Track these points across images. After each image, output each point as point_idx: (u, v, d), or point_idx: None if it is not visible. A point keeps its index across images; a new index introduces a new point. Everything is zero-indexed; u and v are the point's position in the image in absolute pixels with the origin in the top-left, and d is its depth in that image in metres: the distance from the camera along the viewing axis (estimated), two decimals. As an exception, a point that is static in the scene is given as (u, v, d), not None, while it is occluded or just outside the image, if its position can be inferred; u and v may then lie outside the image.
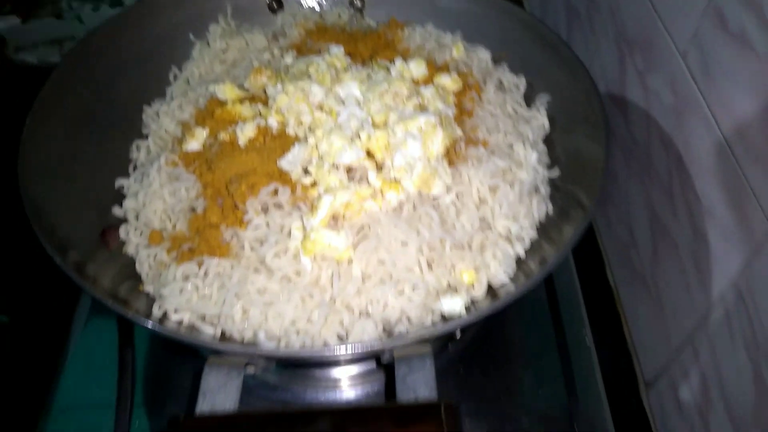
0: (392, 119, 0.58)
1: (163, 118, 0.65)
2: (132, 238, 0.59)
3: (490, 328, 0.60)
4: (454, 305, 0.52)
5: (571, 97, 0.61)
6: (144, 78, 0.68)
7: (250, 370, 0.49)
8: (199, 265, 0.55)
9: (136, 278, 0.58)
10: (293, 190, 0.57)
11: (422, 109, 0.60)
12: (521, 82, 0.67)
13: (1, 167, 0.57)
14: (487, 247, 0.55)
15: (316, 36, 0.70)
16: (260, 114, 0.64)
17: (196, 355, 0.59)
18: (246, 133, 0.62)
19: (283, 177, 0.58)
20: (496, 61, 0.69)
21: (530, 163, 0.60)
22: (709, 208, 0.57)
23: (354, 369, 0.61)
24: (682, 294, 0.62)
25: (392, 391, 0.47)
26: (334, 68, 0.63)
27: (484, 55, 0.68)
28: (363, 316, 0.53)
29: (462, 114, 0.62)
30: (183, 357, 0.64)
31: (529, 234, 0.57)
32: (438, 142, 0.57)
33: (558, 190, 0.60)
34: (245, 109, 0.64)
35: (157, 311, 0.54)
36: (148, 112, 0.67)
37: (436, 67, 0.66)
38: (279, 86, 0.63)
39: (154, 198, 0.59)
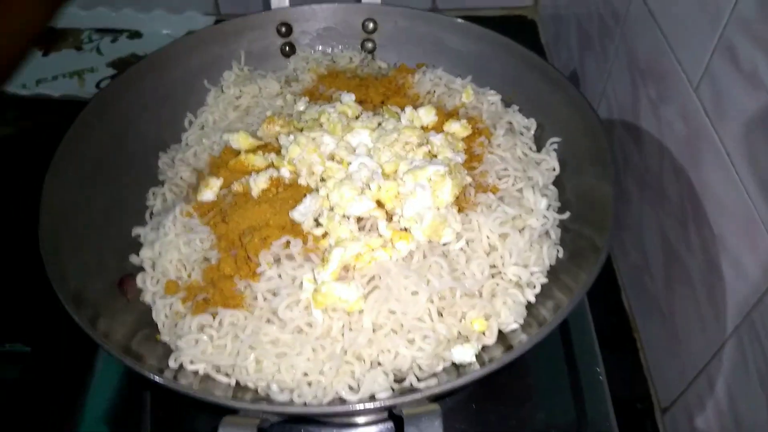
0: (402, 169, 0.59)
1: (178, 166, 0.67)
2: (149, 286, 0.60)
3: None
4: (465, 354, 0.53)
5: (580, 138, 0.62)
6: (160, 124, 0.69)
7: (264, 424, 0.49)
8: (214, 316, 0.56)
9: (154, 326, 0.59)
10: (305, 242, 0.58)
11: (432, 157, 0.61)
12: (532, 124, 0.68)
13: (23, 204, 0.59)
14: (497, 295, 0.56)
15: (328, 81, 0.72)
16: (273, 164, 0.66)
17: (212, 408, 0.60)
18: (259, 184, 0.63)
19: (295, 228, 0.60)
20: (506, 102, 0.70)
21: (540, 209, 0.60)
22: (722, 240, 0.57)
23: (363, 419, 0.62)
24: (696, 322, 0.63)
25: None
26: (346, 116, 0.65)
27: (494, 98, 0.69)
28: (374, 366, 0.54)
29: (472, 159, 0.63)
30: (199, 407, 0.64)
31: (540, 280, 0.57)
32: (447, 192, 0.58)
33: (568, 232, 0.61)
34: (258, 159, 0.66)
35: (173, 363, 0.55)
36: (164, 159, 0.68)
37: (445, 114, 0.67)
38: (291, 137, 0.65)
39: (170, 248, 0.60)
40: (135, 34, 1.16)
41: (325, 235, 0.59)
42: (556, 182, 0.64)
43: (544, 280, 0.57)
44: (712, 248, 0.59)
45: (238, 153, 0.66)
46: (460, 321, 0.55)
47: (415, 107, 0.68)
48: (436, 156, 0.63)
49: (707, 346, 0.61)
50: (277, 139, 0.67)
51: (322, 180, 0.62)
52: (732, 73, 0.54)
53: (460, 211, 0.60)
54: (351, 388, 0.53)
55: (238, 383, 0.54)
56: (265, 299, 0.56)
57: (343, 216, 0.58)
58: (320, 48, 0.77)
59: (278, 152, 0.66)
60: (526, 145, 0.66)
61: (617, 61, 0.79)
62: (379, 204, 0.59)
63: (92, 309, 0.54)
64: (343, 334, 0.54)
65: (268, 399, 0.53)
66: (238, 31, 0.74)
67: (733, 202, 0.55)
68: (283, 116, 0.69)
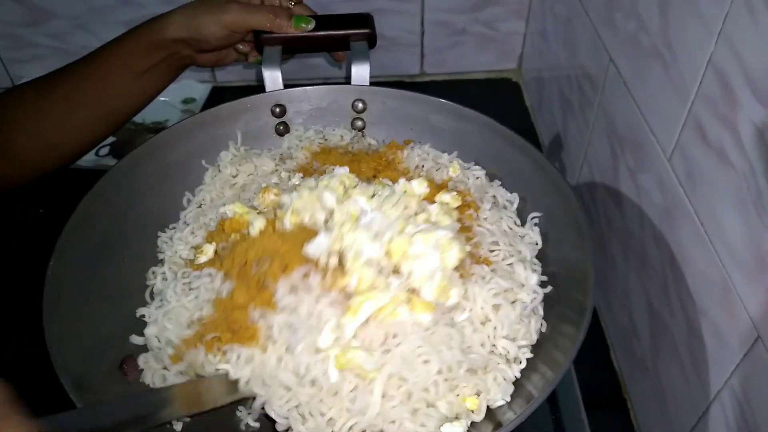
0: (409, 230, 0.61)
1: (176, 244, 0.69)
2: (153, 364, 0.61)
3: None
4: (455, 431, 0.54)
5: (559, 213, 0.65)
6: (159, 205, 0.71)
7: None
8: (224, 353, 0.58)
9: None
10: (323, 276, 0.59)
11: (430, 224, 0.64)
12: (515, 199, 0.70)
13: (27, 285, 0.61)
14: (489, 371, 0.58)
15: (322, 158, 0.75)
16: (275, 215, 0.67)
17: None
18: (257, 226, 0.65)
19: (310, 262, 0.60)
20: (490, 176, 0.73)
21: (531, 285, 0.62)
22: (702, 308, 0.59)
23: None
24: (682, 387, 0.64)
25: None
26: (343, 186, 0.67)
27: (479, 172, 0.72)
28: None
29: (463, 231, 0.65)
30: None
31: (526, 355, 0.59)
32: (454, 256, 0.60)
33: (551, 306, 0.63)
34: (254, 216, 0.67)
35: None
36: (162, 238, 0.70)
37: (436, 186, 0.69)
38: (294, 193, 0.66)
39: (175, 313, 0.62)
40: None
41: (343, 273, 0.59)
42: (539, 254, 0.66)
43: (530, 355, 0.59)
44: (692, 314, 0.61)
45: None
46: (457, 396, 0.56)
47: (407, 180, 0.71)
48: (436, 224, 0.65)
49: (693, 408, 0.62)
50: (273, 208, 0.69)
51: (335, 222, 0.63)
52: (701, 147, 0.57)
53: (461, 277, 0.62)
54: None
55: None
56: (280, 331, 0.56)
57: (367, 260, 0.59)
58: (313, 127, 0.80)
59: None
60: (510, 219, 0.68)
61: (597, 127, 0.83)
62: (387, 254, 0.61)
63: (93, 393, 0.55)
64: (353, 401, 0.55)
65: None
66: (234, 113, 0.77)
67: (709, 272, 0.57)
68: (279, 186, 0.71)
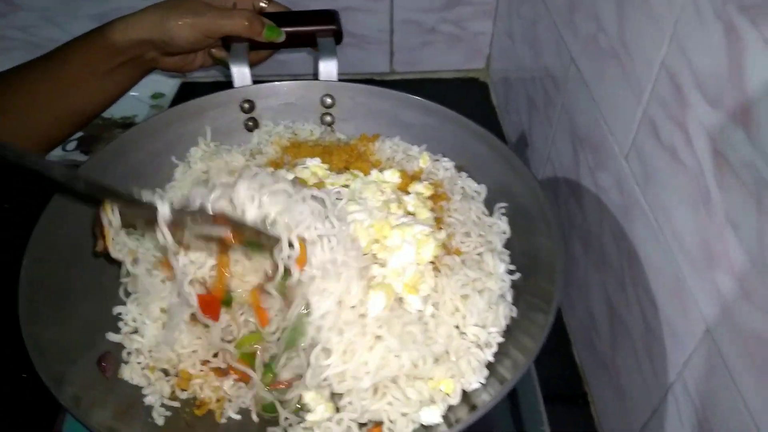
0: (392, 222, 0.62)
1: (148, 241, 0.69)
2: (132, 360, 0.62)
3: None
4: (433, 416, 0.56)
5: (525, 202, 0.67)
6: None
7: None
8: None
9: (135, 404, 0.61)
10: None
11: (410, 215, 0.65)
12: (482, 190, 0.72)
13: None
14: (462, 355, 0.59)
15: (292, 152, 0.76)
16: None
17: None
18: None
19: None
20: (458, 168, 0.74)
21: (499, 273, 0.64)
22: (657, 304, 0.61)
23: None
24: (639, 381, 0.66)
25: None
26: (316, 176, 0.68)
27: (448, 164, 0.73)
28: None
29: (437, 222, 0.66)
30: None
31: (497, 339, 0.61)
32: (429, 251, 0.61)
33: (520, 292, 0.64)
34: None
35: None
36: (134, 235, 0.70)
37: (408, 177, 0.71)
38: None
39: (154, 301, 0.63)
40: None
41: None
42: (507, 245, 0.68)
43: (501, 339, 0.61)
44: (648, 309, 0.63)
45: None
46: (428, 383, 0.58)
47: (379, 171, 0.72)
48: (413, 215, 0.66)
49: (648, 402, 0.64)
50: None
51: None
52: (655, 147, 0.59)
53: (434, 269, 0.63)
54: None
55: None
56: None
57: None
58: (282, 122, 0.81)
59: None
60: (479, 209, 0.70)
61: (560, 127, 0.84)
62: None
63: (74, 390, 0.55)
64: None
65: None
66: (203, 109, 0.77)
67: (664, 267, 0.59)
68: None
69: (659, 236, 0.59)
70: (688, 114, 0.53)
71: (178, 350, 0.61)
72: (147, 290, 0.64)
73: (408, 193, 0.68)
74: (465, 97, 1.22)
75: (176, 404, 0.61)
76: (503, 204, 0.70)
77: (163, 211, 0.56)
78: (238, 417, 0.60)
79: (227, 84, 0.80)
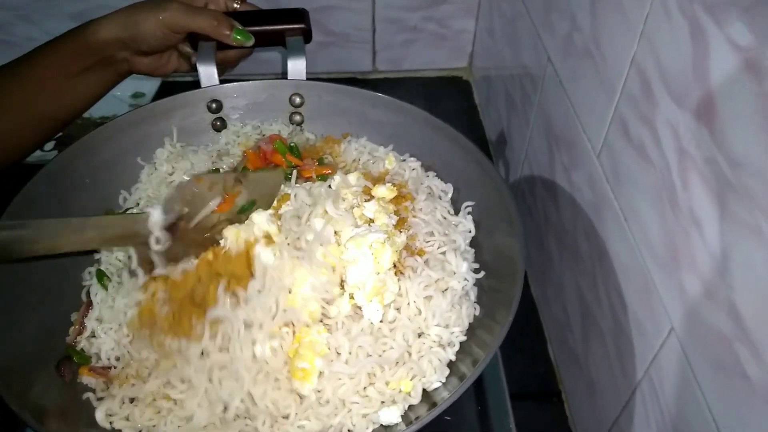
0: (345, 235, 0.61)
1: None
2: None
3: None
4: (392, 416, 0.55)
5: (491, 200, 0.66)
6: (93, 204, 0.70)
7: None
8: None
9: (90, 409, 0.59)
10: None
11: (369, 222, 0.64)
12: (449, 189, 0.71)
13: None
14: (423, 355, 0.59)
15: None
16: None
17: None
18: None
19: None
20: (426, 167, 0.74)
21: (461, 272, 0.63)
22: (626, 301, 0.61)
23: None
24: (608, 377, 0.66)
25: None
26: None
27: (414, 164, 0.73)
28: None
29: (400, 223, 0.66)
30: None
31: (459, 339, 0.60)
32: (387, 259, 0.61)
33: (485, 290, 0.64)
34: None
35: None
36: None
37: (372, 179, 0.70)
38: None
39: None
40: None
41: None
42: (472, 242, 0.68)
43: (463, 338, 0.60)
44: (617, 307, 0.63)
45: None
46: (387, 384, 0.57)
47: (344, 173, 0.71)
48: (372, 221, 0.66)
49: (618, 399, 0.64)
50: None
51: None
52: (625, 145, 0.59)
53: (396, 273, 0.63)
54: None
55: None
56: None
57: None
58: (250, 122, 0.80)
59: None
60: (444, 209, 0.69)
61: (536, 125, 0.84)
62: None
63: (32, 396, 0.55)
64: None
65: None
66: (169, 109, 0.76)
67: (632, 266, 0.59)
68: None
69: (628, 235, 0.59)
70: (656, 112, 0.53)
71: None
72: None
73: (370, 197, 0.68)
74: (448, 96, 1.22)
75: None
76: (470, 203, 0.70)
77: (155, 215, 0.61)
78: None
79: (208, 84, 0.79)
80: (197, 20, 0.76)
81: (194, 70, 0.80)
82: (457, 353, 0.60)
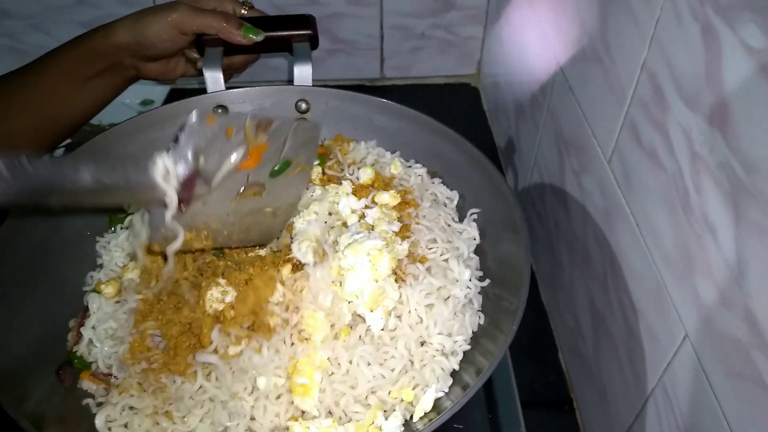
0: (343, 242, 0.61)
1: (113, 251, 0.68)
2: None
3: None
4: (393, 427, 0.55)
5: (497, 208, 0.66)
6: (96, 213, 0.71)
7: None
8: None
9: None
10: None
11: (369, 228, 0.64)
12: (454, 196, 0.71)
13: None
14: (426, 363, 0.58)
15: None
16: None
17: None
18: None
19: None
20: (432, 174, 0.73)
21: (464, 280, 0.63)
22: (638, 308, 0.60)
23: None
24: (621, 385, 0.65)
25: None
26: None
27: (420, 170, 0.73)
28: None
29: (403, 230, 0.66)
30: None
31: (463, 348, 0.60)
32: (385, 266, 0.60)
33: (489, 298, 0.63)
34: None
35: None
36: (101, 243, 0.69)
37: (381, 177, 0.70)
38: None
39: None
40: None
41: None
42: (477, 250, 0.67)
43: (467, 347, 0.60)
44: (630, 314, 0.62)
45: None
46: (389, 393, 0.57)
47: (357, 168, 0.71)
48: (373, 228, 0.65)
49: (631, 407, 0.63)
50: None
51: None
52: (637, 150, 0.58)
53: (396, 281, 0.62)
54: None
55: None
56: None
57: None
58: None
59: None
60: (449, 216, 0.69)
61: (546, 131, 0.84)
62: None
63: (30, 401, 0.54)
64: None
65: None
66: (174, 114, 0.76)
67: (644, 272, 0.58)
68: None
69: (640, 240, 0.59)
70: (668, 116, 0.53)
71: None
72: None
73: (374, 203, 0.67)
74: (456, 103, 1.22)
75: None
76: (475, 210, 0.69)
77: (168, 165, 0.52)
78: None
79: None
80: (204, 19, 0.76)
81: (201, 75, 0.80)
82: (461, 362, 0.59)
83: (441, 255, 0.65)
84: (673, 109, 0.52)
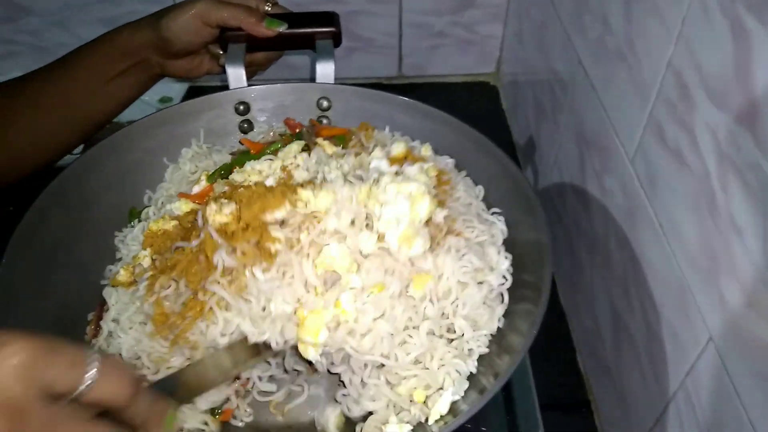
0: (385, 180, 0.60)
1: (130, 244, 0.68)
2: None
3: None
4: (404, 428, 0.54)
5: (519, 210, 0.65)
6: (120, 202, 0.71)
7: None
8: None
9: None
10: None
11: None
12: (480, 191, 0.70)
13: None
14: (443, 366, 0.57)
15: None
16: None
17: None
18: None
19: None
20: (458, 168, 0.73)
21: (502, 269, 0.62)
22: (660, 309, 0.59)
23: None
24: (641, 388, 0.64)
25: None
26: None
27: (449, 160, 0.72)
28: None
29: (439, 203, 0.64)
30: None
31: (482, 349, 0.58)
32: (424, 209, 0.59)
33: (510, 302, 0.62)
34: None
35: None
36: (119, 237, 0.69)
37: (412, 155, 0.69)
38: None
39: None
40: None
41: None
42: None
43: (486, 350, 0.59)
44: (651, 316, 0.61)
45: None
46: (405, 389, 0.56)
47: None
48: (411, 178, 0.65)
49: (651, 410, 0.62)
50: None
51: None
52: (661, 150, 0.58)
53: (435, 246, 0.61)
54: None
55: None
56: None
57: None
58: (276, 125, 0.80)
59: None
60: (480, 206, 0.68)
61: (566, 130, 0.83)
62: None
63: None
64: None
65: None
66: (197, 110, 0.76)
67: (667, 274, 0.58)
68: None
69: (663, 241, 0.58)
70: (694, 115, 0.52)
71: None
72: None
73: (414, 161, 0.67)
74: (475, 101, 1.21)
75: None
76: (497, 210, 0.68)
77: None
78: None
79: (235, 88, 0.79)
80: (228, 11, 0.77)
81: (224, 72, 0.80)
82: (478, 366, 0.58)
83: (477, 237, 0.63)
84: (700, 108, 0.51)
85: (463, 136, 0.71)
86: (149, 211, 0.71)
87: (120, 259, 0.68)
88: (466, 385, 0.56)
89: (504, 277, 0.62)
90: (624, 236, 0.67)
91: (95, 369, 0.37)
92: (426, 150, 0.72)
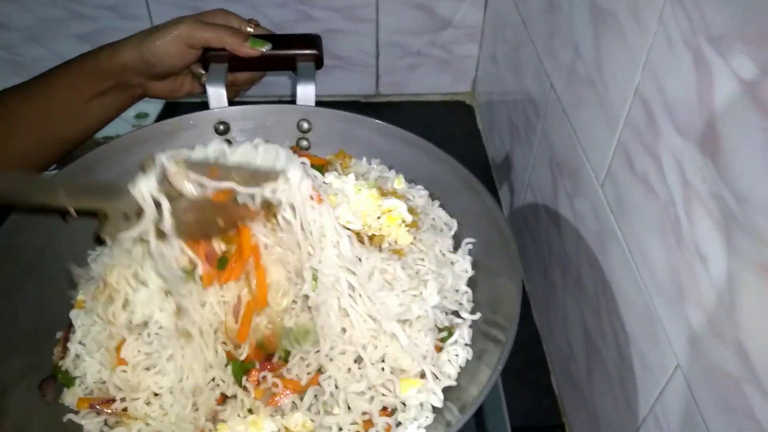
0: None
1: (97, 265, 0.67)
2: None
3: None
4: None
5: (492, 240, 0.65)
6: (94, 222, 0.70)
7: None
8: None
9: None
10: None
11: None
12: (453, 224, 0.70)
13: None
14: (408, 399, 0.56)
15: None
16: None
17: None
18: None
19: None
20: (432, 197, 0.72)
21: (429, 301, 0.60)
22: (630, 334, 0.60)
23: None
24: (613, 412, 0.64)
25: None
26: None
27: (423, 192, 0.72)
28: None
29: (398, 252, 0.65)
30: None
31: (448, 383, 0.58)
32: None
33: (479, 333, 0.62)
34: None
35: None
36: (92, 256, 0.68)
37: (383, 191, 0.69)
38: None
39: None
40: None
41: None
42: (470, 282, 0.66)
43: (453, 382, 0.58)
44: (622, 340, 0.61)
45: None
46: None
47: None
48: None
49: (623, 435, 0.62)
50: None
51: None
52: (629, 175, 0.58)
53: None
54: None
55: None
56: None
57: None
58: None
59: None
60: (446, 245, 0.67)
61: (539, 152, 0.83)
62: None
63: (12, 414, 0.54)
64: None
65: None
66: (175, 129, 0.75)
67: (636, 298, 0.58)
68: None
69: (632, 266, 0.58)
70: (660, 143, 0.52)
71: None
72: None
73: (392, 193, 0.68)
74: (451, 121, 1.21)
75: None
76: (470, 240, 0.68)
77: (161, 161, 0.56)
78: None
79: (214, 106, 0.79)
80: (213, 32, 0.77)
81: (206, 92, 0.80)
82: (445, 400, 0.57)
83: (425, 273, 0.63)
84: (666, 136, 0.51)
85: (441, 162, 0.70)
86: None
87: (92, 278, 0.67)
88: (432, 418, 0.56)
89: (426, 311, 0.60)
90: (595, 259, 0.67)
91: None
92: (398, 182, 0.72)
